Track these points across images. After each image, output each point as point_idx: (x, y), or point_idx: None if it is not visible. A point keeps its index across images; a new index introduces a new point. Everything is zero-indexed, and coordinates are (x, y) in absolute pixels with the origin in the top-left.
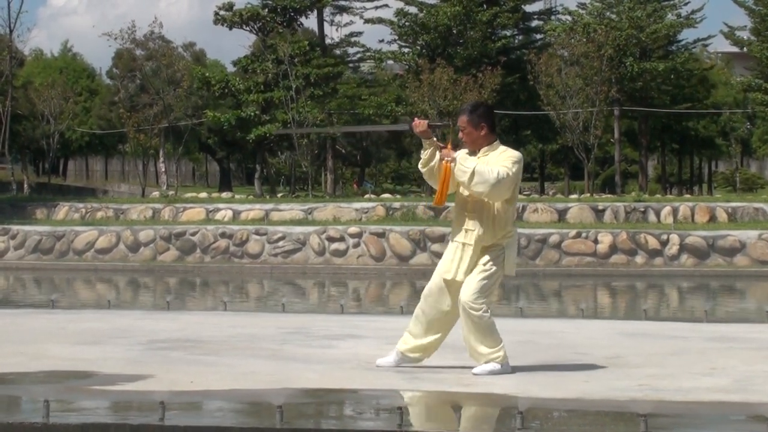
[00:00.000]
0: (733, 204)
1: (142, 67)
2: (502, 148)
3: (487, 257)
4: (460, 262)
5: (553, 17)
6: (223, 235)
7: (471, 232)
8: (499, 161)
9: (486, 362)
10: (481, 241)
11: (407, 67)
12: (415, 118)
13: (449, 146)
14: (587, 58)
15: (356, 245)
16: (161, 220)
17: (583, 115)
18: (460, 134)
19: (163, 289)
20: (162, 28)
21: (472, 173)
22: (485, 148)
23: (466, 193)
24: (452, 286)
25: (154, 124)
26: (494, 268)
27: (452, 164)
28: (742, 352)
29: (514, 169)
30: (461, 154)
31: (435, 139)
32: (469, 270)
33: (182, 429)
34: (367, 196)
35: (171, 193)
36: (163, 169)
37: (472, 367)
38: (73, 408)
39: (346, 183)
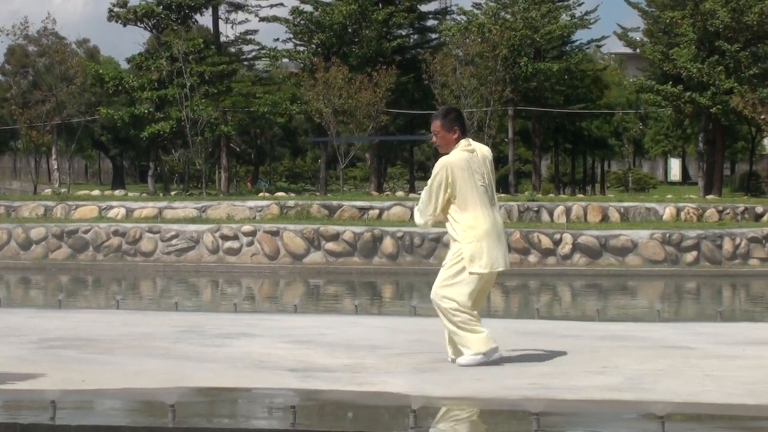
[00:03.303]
0: (626, 204)
1: (34, 63)
2: (445, 155)
3: (451, 255)
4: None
5: (448, 17)
6: (115, 233)
7: None
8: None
9: (467, 353)
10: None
11: (302, 65)
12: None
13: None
14: (482, 58)
15: (250, 243)
16: (53, 217)
17: (477, 114)
18: (434, 138)
19: (55, 287)
20: (55, 25)
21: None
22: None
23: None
24: None
25: (46, 121)
26: (457, 264)
27: None
28: (634, 351)
29: (430, 185)
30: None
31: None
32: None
33: (73, 428)
34: (261, 194)
35: (63, 190)
36: (56, 167)
37: (366, 366)
38: None
39: (240, 181)
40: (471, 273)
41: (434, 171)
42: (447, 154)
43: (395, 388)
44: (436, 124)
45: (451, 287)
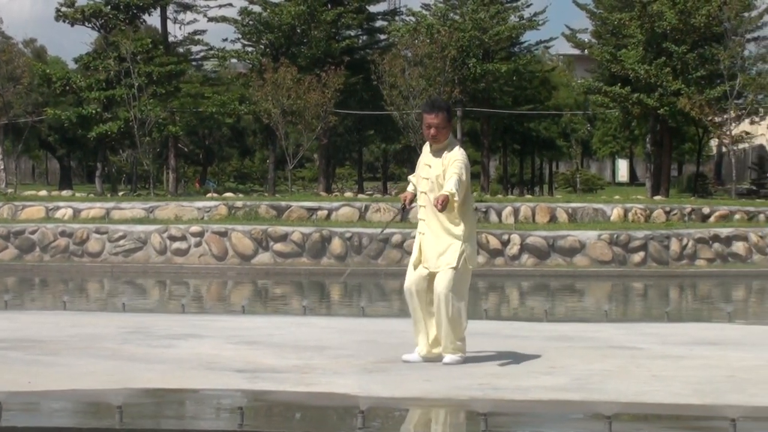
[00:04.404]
0: (574, 204)
1: None
2: (457, 146)
3: (452, 251)
4: (419, 253)
5: (397, 18)
6: (63, 233)
7: (423, 222)
8: (453, 166)
9: (453, 352)
10: (435, 234)
11: (251, 66)
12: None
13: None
14: (431, 59)
15: (198, 244)
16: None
17: None
18: (433, 130)
19: (1, 288)
20: (2, 24)
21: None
22: (447, 145)
23: (428, 189)
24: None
25: None
26: (462, 264)
27: (451, 197)
28: (581, 351)
29: (463, 174)
30: (445, 190)
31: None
32: (431, 259)
33: (20, 430)
34: (209, 195)
35: (10, 191)
36: (2, 167)
37: (314, 367)
38: None
39: (188, 182)
40: (469, 269)
41: (461, 161)
42: (440, 149)
43: (343, 389)
44: (439, 117)
45: (461, 287)
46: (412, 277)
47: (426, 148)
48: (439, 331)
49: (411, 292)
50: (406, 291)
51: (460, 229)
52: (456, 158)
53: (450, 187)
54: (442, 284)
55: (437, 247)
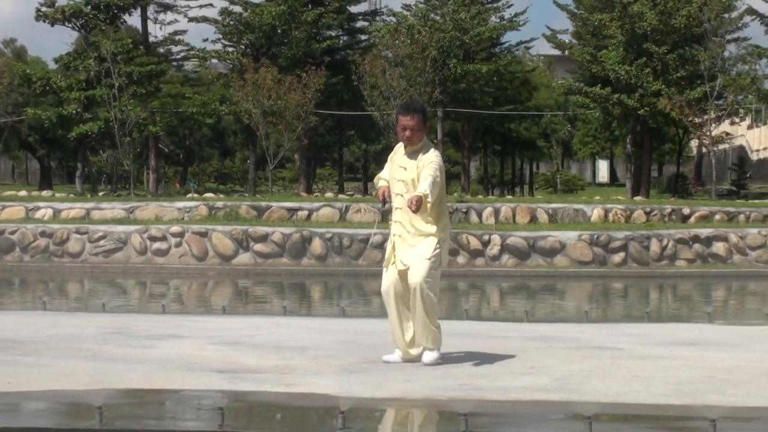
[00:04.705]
0: (554, 205)
1: None
2: (432, 148)
3: (427, 246)
4: (393, 252)
5: (377, 18)
6: (42, 233)
7: (398, 224)
8: (428, 168)
9: (431, 350)
10: (410, 235)
11: (231, 66)
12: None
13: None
14: (411, 60)
15: (178, 245)
16: None
17: None
18: (408, 132)
19: None
20: None
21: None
22: (422, 147)
23: (403, 191)
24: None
25: None
26: (436, 259)
27: (424, 198)
28: (562, 352)
29: (438, 176)
30: (419, 192)
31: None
32: (405, 258)
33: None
34: (189, 195)
35: None
36: None
37: (294, 367)
38: None
39: (168, 182)
40: (441, 268)
41: (436, 163)
42: (415, 150)
43: (324, 390)
44: (415, 119)
45: (434, 280)
46: (389, 279)
47: (400, 149)
48: (416, 325)
49: (389, 294)
50: (383, 293)
51: (434, 230)
52: (431, 160)
53: (424, 188)
54: (417, 275)
55: (411, 247)
